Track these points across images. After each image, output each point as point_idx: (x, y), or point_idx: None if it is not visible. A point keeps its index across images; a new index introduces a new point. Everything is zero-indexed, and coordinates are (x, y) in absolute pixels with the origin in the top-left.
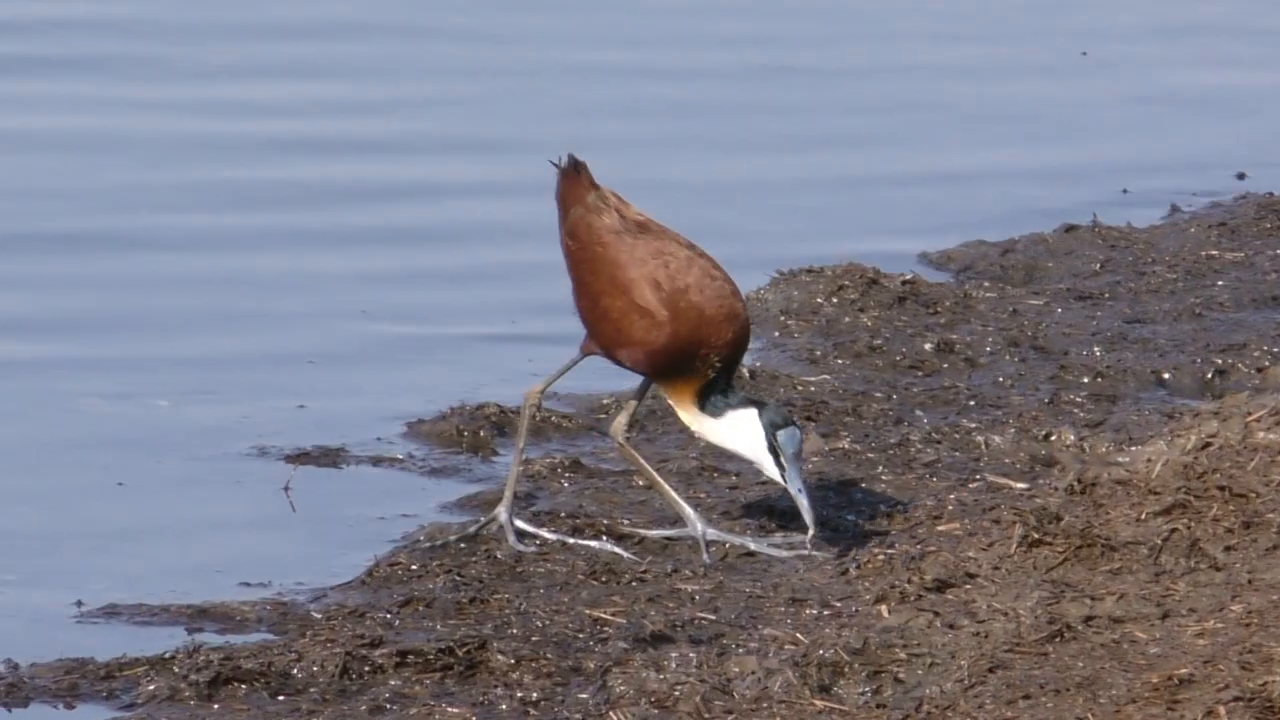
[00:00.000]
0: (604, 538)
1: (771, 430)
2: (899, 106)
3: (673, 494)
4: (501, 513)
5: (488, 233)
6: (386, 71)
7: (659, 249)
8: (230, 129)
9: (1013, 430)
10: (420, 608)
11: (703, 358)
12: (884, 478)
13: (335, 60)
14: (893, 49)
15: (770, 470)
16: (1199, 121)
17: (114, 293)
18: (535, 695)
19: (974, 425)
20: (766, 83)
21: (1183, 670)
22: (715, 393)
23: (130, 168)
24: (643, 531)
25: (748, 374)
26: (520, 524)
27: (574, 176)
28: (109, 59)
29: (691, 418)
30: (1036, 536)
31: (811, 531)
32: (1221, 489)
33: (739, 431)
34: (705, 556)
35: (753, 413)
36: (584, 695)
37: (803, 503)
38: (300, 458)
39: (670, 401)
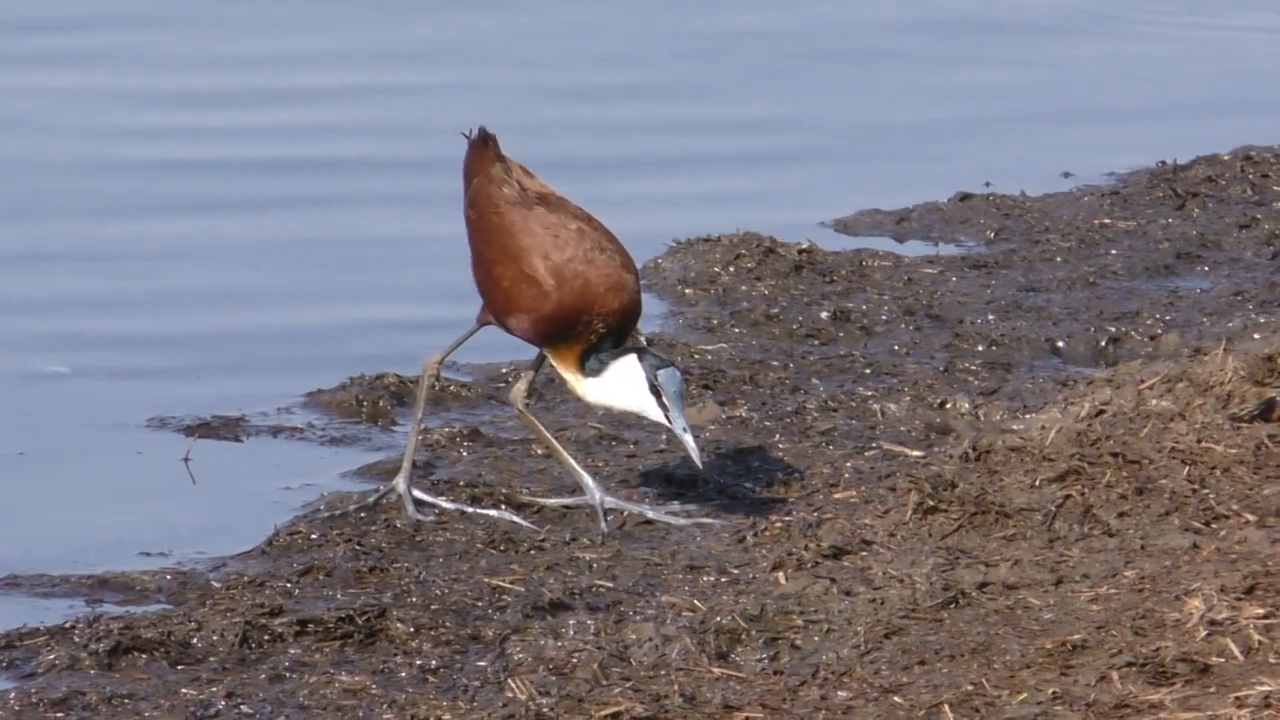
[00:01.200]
0: (503, 506)
1: (652, 371)
2: (794, 74)
3: (571, 462)
4: (400, 483)
5: (390, 209)
6: (287, 55)
7: (552, 220)
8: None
9: (908, 398)
10: (320, 576)
11: (585, 324)
12: (781, 446)
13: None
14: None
15: (654, 413)
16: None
17: (14, 261)
18: (434, 663)
19: (870, 393)
20: (678, 58)
21: (1076, 636)
22: (596, 353)
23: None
24: (542, 500)
25: (645, 342)
26: (418, 493)
27: (481, 148)
28: None
29: (575, 381)
30: (932, 504)
31: (699, 466)
32: (1115, 455)
33: (620, 381)
34: (603, 525)
35: (632, 358)
36: (483, 663)
37: (688, 441)
38: (200, 428)
39: (556, 367)
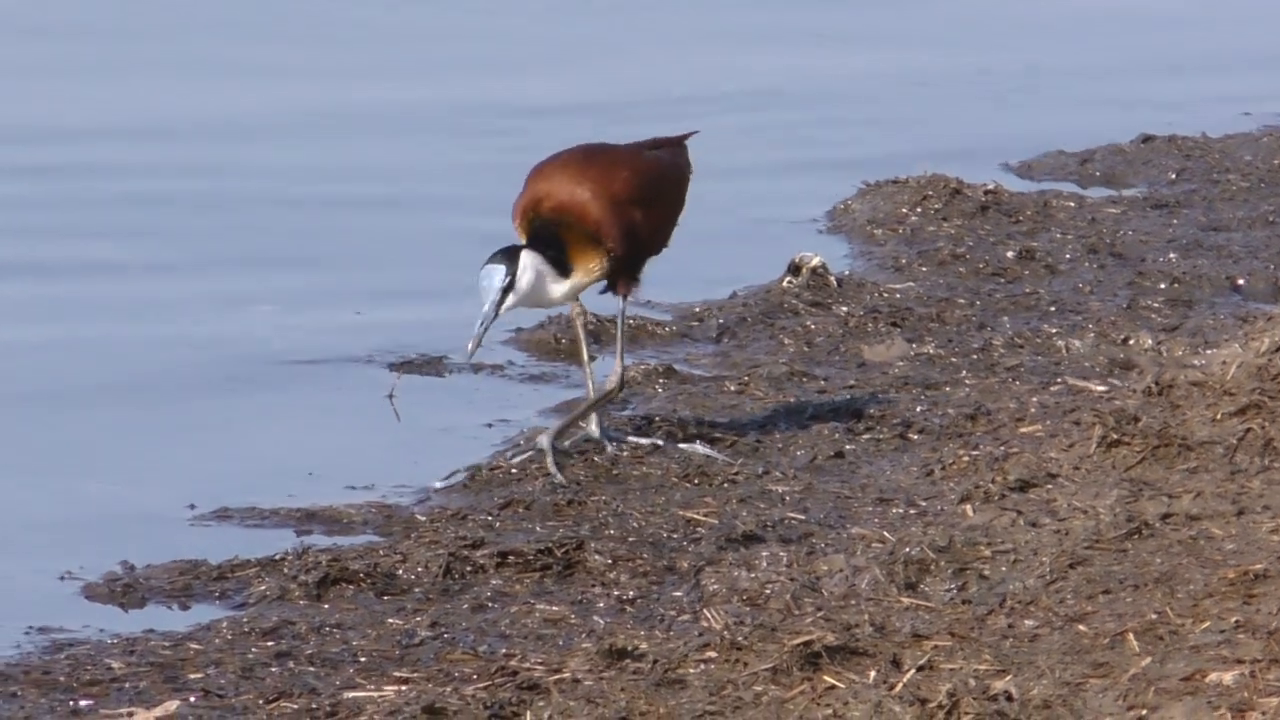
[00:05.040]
0: (697, 441)
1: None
2: (982, 17)
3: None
4: (544, 439)
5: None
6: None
7: None
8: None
9: (1092, 335)
10: (520, 510)
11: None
12: (968, 381)
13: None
14: None
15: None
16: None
17: (217, 205)
18: (631, 594)
19: (1054, 330)
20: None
21: (1258, 565)
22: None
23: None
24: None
25: (835, 282)
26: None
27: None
28: None
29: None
30: (1115, 437)
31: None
32: None
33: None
34: (555, 473)
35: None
36: (678, 594)
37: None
38: (404, 365)
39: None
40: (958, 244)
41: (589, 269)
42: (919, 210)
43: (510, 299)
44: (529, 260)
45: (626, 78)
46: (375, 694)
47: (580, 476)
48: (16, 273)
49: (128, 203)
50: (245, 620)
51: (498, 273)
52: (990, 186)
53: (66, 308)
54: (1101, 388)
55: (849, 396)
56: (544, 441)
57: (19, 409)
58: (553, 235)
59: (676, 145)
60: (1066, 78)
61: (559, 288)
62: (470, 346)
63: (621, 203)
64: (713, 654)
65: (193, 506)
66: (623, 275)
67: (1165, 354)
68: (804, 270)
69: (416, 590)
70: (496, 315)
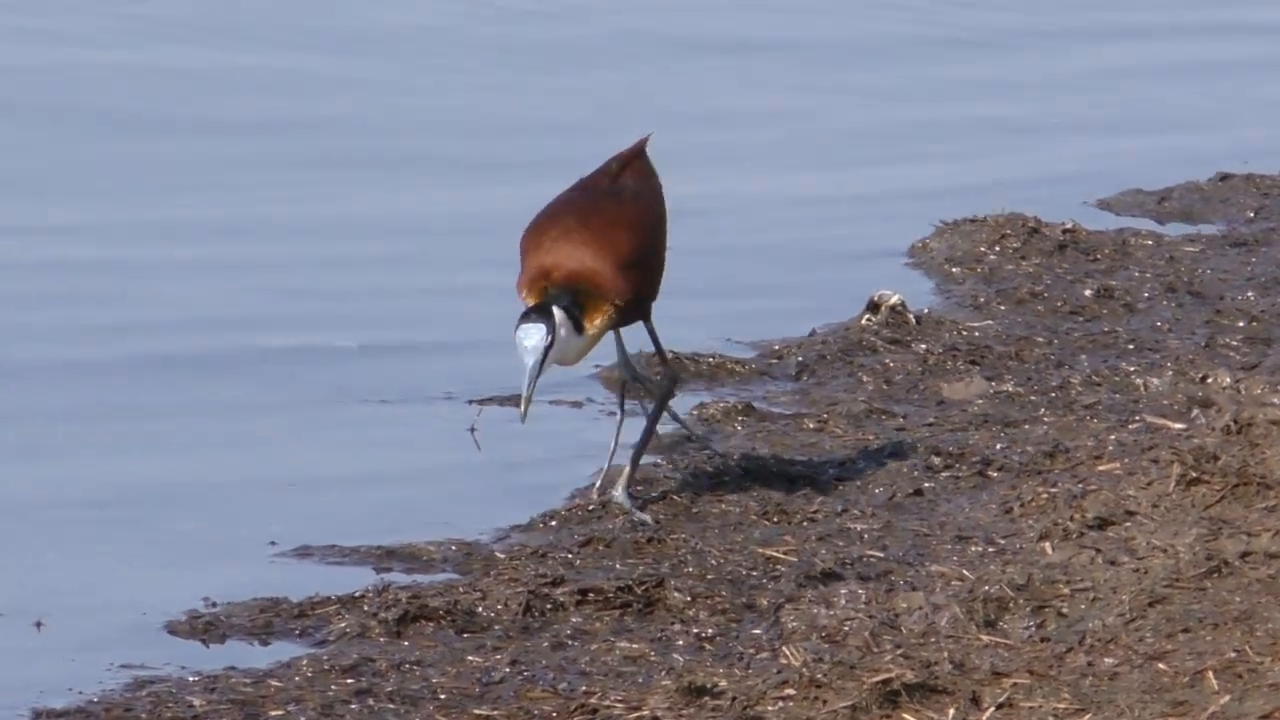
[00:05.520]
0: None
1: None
2: (1056, 59)
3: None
4: (617, 491)
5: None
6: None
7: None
8: None
9: (1170, 373)
10: (600, 547)
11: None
12: (1046, 419)
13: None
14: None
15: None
16: None
17: (300, 239)
18: (710, 630)
19: (1133, 368)
20: (925, 45)
21: None
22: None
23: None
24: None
25: (914, 320)
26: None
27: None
28: None
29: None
30: (1194, 475)
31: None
32: None
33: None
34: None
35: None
36: (757, 631)
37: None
38: (485, 401)
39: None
40: (1036, 282)
41: (599, 325)
42: (997, 249)
43: (552, 354)
44: (561, 318)
45: (691, 120)
46: None
47: (660, 515)
48: (108, 303)
49: (210, 219)
50: (325, 657)
51: (538, 331)
52: (1068, 225)
53: (138, 332)
54: (1180, 425)
55: (928, 434)
56: (618, 495)
57: (101, 445)
58: (570, 299)
59: (639, 156)
60: (1143, 116)
61: (578, 342)
62: (523, 409)
63: (627, 264)
64: (792, 691)
65: (274, 543)
66: (631, 317)
67: (1244, 392)
68: (883, 308)
69: (496, 627)
70: (540, 373)
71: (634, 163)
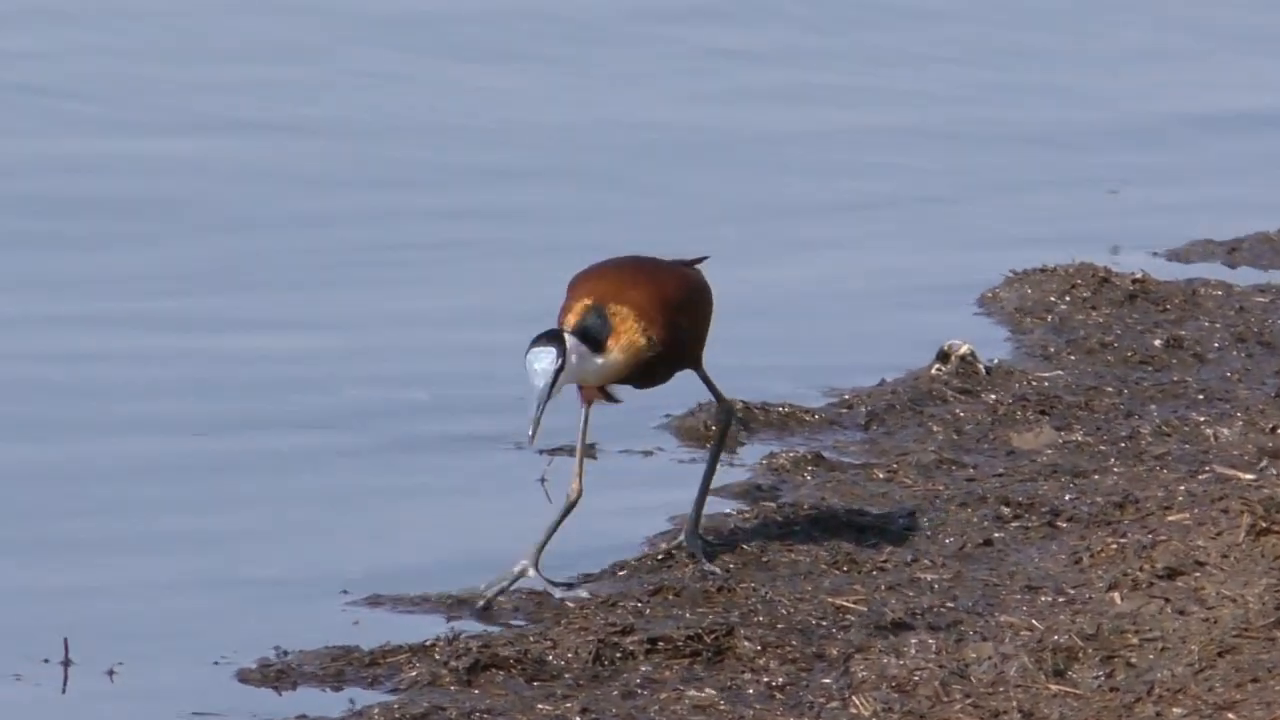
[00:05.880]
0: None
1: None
2: (1120, 105)
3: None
4: (684, 538)
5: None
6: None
7: None
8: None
9: (1240, 423)
10: (669, 596)
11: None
12: (1116, 469)
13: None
14: (1102, 48)
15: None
16: None
17: (376, 287)
18: (780, 680)
19: (1203, 418)
20: (1001, 91)
21: None
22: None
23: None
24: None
25: (984, 370)
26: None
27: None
28: None
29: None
30: (1264, 525)
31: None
32: None
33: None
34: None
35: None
36: (827, 680)
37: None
38: (554, 451)
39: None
40: (1106, 332)
41: (625, 349)
42: (1067, 298)
43: (562, 378)
44: (572, 342)
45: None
46: None
47: (730, 563)
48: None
49: (273, 291)
50: (396, 706)
51: (547, 355)
52: (1138, 275)
53: (215, 377)
54: (1250, 476)
55: (997, 484)
56: (684, 539)
57: (171, 492)
58: (603, 318)
59: (696, 262)
60: (1213, 167)
61: (596, 365)
62: (530, 431)
63: (670, 304)
64: None
65: (346, 591)
66: (658, 376)
67: None
68: (953, 358)
69: (566, 676)
70: (550, 396)
71: (691, 264)
